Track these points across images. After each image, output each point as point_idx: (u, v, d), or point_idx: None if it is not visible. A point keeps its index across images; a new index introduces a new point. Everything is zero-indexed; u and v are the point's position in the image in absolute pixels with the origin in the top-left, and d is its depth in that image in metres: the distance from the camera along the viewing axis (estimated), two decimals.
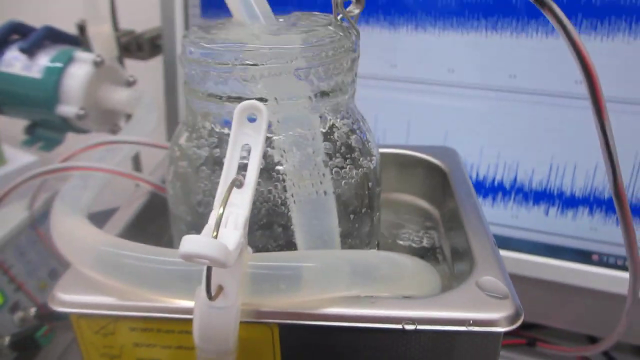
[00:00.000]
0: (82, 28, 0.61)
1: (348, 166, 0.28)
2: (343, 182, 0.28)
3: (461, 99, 0.50)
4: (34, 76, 0.50)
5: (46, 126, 0.54)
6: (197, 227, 0.28)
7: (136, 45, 0.66)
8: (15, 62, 0.51)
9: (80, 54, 0.51)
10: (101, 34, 0.50)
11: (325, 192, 0.27)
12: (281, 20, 0.30)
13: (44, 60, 0.51)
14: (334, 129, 0.28)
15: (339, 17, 0.29)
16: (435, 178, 0.39)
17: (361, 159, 0.29)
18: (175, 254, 0.23)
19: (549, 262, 0.51)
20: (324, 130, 0.27)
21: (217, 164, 0.27)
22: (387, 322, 0.25)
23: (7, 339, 0.47)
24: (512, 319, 0.25)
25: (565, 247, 0.51)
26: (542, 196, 0.50)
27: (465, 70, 0.50)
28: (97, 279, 0.27)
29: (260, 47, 0.26)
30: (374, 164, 0.30)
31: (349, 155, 0.28)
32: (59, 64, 0.50)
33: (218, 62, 0.27)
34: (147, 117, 0.46)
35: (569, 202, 0.49)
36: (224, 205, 0.22)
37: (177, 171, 0.28)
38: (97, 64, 0.50)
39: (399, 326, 0.24)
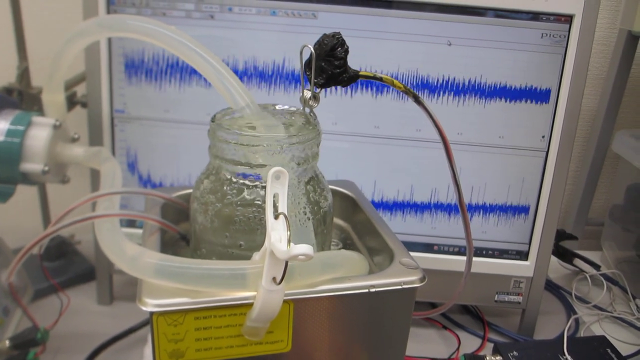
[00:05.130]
0: (9, 91, 0.69)
1: (322, 200, 0.45)
2: (321, 210, 0.45)
3: (341, 142, 0.71)
4: None
5: None
6: (228, 247, 0.43)
7: None
8: None
9: (37, 118, 0.59)
10: (55, 101, 0.60)
11: (308, 219, 0.44)
12: (262, 109, 0.46)
13: (2, 124, 0.58)
14: (311, 179, 0.45)
15: (306, 110, 0.46)
16: (345, 202, 0.58)
17: (326, 194, 0.46)
18: (209, 263, 0.39)
19: None
20: (307, 179, 0.44)
21: (249, 205, 0.42)
22: (359, 289, 0.42)
23: None
24: (422, 280, 0.44)
25: (416, 242, 0.74)
26: (401, 206, 0.72)
27: (345, 123, 0.70)
28: (160, 284, 0.40)
29: (262, 136, 0.43)
30: (330, 197, 0.47)
31: (322, 194, 0.46)
32: (20, 127, 0.58)
33: (236, 143, 0.42)
34: (115, 169, 0.57)
35: (419, 209, 0.72)
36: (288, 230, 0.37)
37: (215, 210, 0.43)
38: (56, 127, 0.59)
39: (367, 290, 0.42)
